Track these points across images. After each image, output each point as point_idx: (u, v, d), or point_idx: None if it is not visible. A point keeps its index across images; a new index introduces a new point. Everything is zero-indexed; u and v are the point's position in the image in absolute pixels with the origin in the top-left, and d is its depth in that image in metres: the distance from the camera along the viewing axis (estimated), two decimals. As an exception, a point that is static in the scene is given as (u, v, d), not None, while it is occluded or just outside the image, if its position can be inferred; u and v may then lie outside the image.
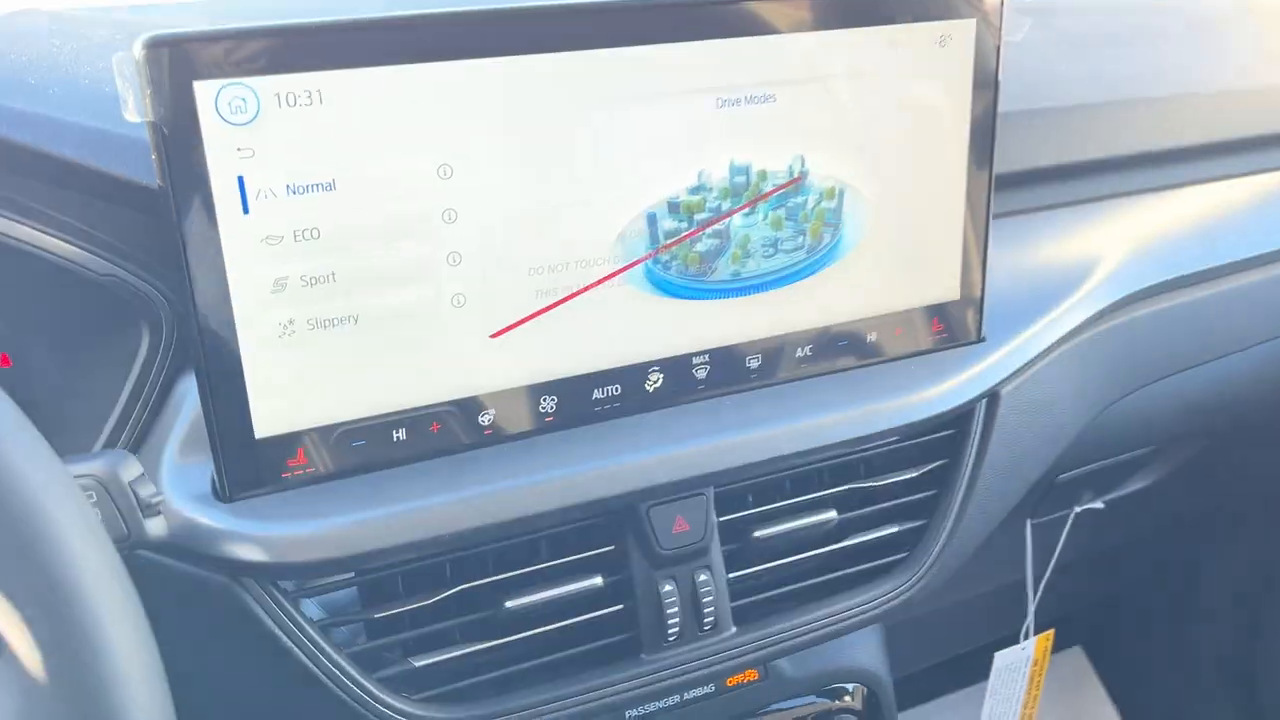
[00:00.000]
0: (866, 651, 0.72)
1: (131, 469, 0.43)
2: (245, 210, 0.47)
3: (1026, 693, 0.97)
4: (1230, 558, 1.31)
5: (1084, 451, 0.78)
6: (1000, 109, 0.61)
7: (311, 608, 0.53)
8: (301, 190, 0.48)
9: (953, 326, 0.65)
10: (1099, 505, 0.91)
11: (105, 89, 0.54)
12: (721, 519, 0.60)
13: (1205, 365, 0.79)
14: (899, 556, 0.66)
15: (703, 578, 0.59)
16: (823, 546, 0.63)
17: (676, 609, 0.58)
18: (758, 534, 0.61)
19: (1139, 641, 1.46)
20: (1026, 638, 0.94)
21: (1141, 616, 1.44)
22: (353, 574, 0.53)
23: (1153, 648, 1.44)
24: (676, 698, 0.64)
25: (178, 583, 0.49)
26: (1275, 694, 1.29)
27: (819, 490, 0.64)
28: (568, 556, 0.57)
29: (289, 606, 0.51)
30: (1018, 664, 0.95)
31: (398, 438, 0.53)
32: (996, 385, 0.66)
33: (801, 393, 0.61)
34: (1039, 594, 0.93)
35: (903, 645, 0.80)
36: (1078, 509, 0.90)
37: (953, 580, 0.73)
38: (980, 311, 0.66)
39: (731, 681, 0.66)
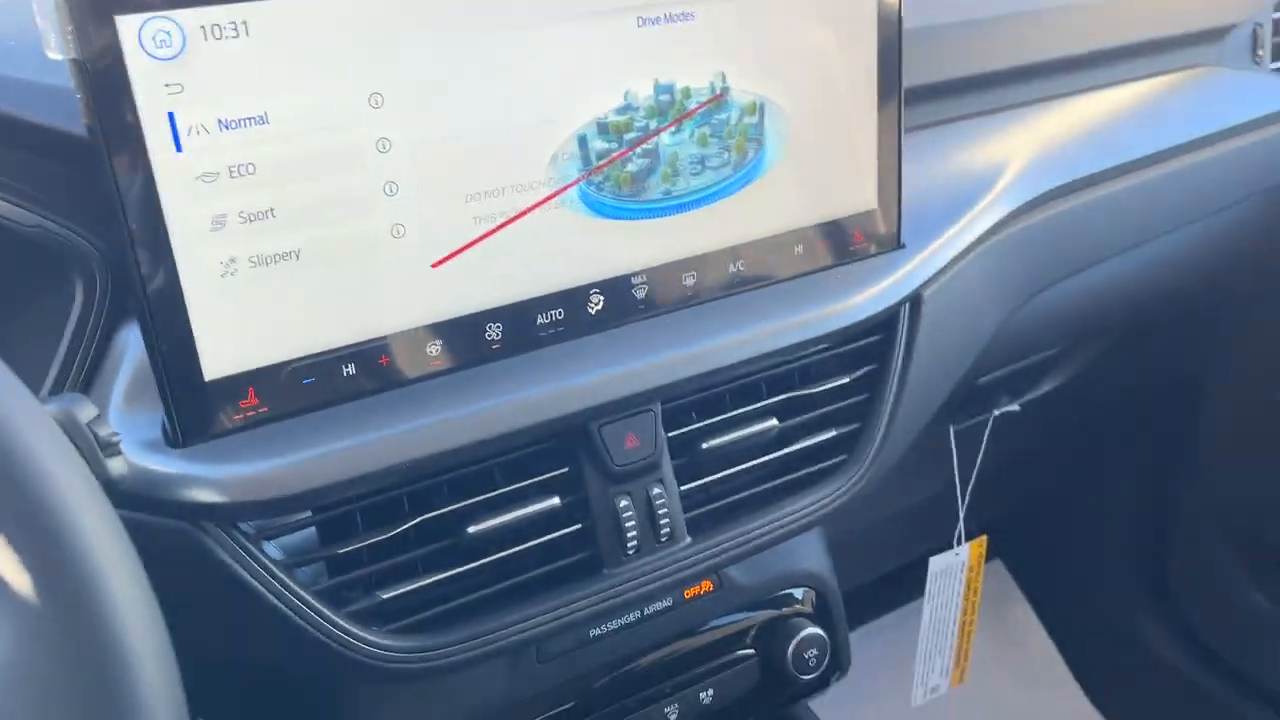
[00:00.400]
0: (811, 557, 0.75)
1: (87, 410, 0.42)
2: (178, 148, 0.46)
3: (964, 598, 1.01)
4: (1136, 460, 1.38)
5: (999, 354, 0.82)
6: (905, 24, 0.64)
7: (273, 550, 0.53)
8: (234, 125, 0.47)
9: (873, 235, 0.68)
10: (1015, 407, 0.95)
11: (9, 43, 0.53)
12: (670, 434, 0.62)
13: (1106, 263, 0.84)
14: (838, 460, 0.68)
15: (656, 491, 0.61)
16: (767, 454, 0.66)
17: (634, 522, 0.60)
18: (705, 446, 0.63)
19: (1056, 552, 1.53)
20: (959, 543, 0.98)
21: (1057, 527, 1.51)
22: (310, 513, 0.53)
23: (1070, 557, 1.51)
24: (638, 613, 0.66)
25: (137, 534, 0.49)
26: (1187, 589, 1.37)
27: (759, 401, 0.66)
28: (524, 481, 0.58)
29: (252, 548, 0.51)
30: (953, 568, 0.99)
31: (347, 373, 0.53)
32: (918, 289, 0.68)
33: (737, 307, 0.63)
34: (967, 499, 0.97)
35: (844, 561, 0.83)
36: (996, 412, 0.94)
37: (888, 488, 0.77)
38: (898, 219, 0.68)
39: (689, 594, 0.68)
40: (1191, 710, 1.37)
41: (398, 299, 0.54)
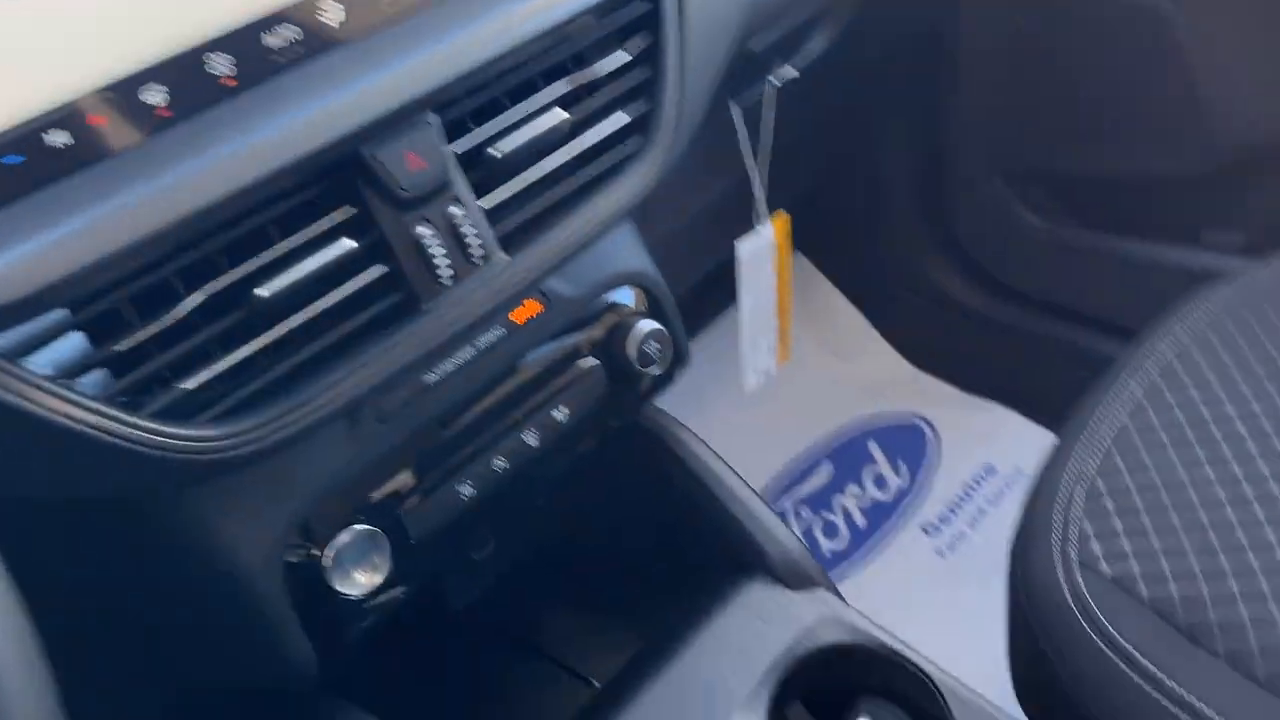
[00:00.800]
0: (632, 256, 0.73)
1: None
2: None
3: (777, 276, 1.03)
4: (909, 116, 1.42)
5: (763, 12, 0.79)
6: None
7: (42, 364, 0.46)
8: None
9: (616, -112, 0.62)
10: (793, 73, 0.94)
11: None
12: (455, 147, 0.56)
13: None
14: (635, 144, 0.65)
15: (454, 210, 0.56)
16: (561, 148, 0.61)
17: (440, 247, 0.55)
18: (495, 153, 0.58)
19: (849, 225, 1.59)
20: (760, 222, 0.98)
21: (845, 201, 1.55)
22: (70, 313, 0.46)
23: (861, 226, 1.57)
24: (470, 349, 0.62)
25: None
26: (970, 228, 1.45)
27: (539, 94, 0.61)
28: (307, 230, 0.52)
29: (11, 367, 0.44)
30: (761, 250, 1.00)
31: (60, 143, 0.45)
32: (677, -57, 0.64)
33: (488, -3, 0.57)
34: (765, 180, 0.97)
35: (662, 271, 0.81)
36: (774, 79, 0.92)
37: (688, 179, 0.74)
38: None
39: (519, 318, 0.64)
40: (986, 338, 1.49)
41: (92, 42, 0.45)
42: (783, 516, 1.45)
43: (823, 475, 1.49)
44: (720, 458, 0.79)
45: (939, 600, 1.32)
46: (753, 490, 0.78)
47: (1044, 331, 1.44)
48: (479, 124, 0.58)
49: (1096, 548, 0.73)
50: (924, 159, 1.44)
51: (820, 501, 1.46)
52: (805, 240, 1.61)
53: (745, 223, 1.00)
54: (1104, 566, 0.70)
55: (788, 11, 0.87)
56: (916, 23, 1.23)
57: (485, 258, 0.57)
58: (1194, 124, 1.16)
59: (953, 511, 1.42)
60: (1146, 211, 1.30)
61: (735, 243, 0.97)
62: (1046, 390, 1.39)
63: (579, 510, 0.86)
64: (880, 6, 1.05)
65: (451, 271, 0.56)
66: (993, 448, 1.47)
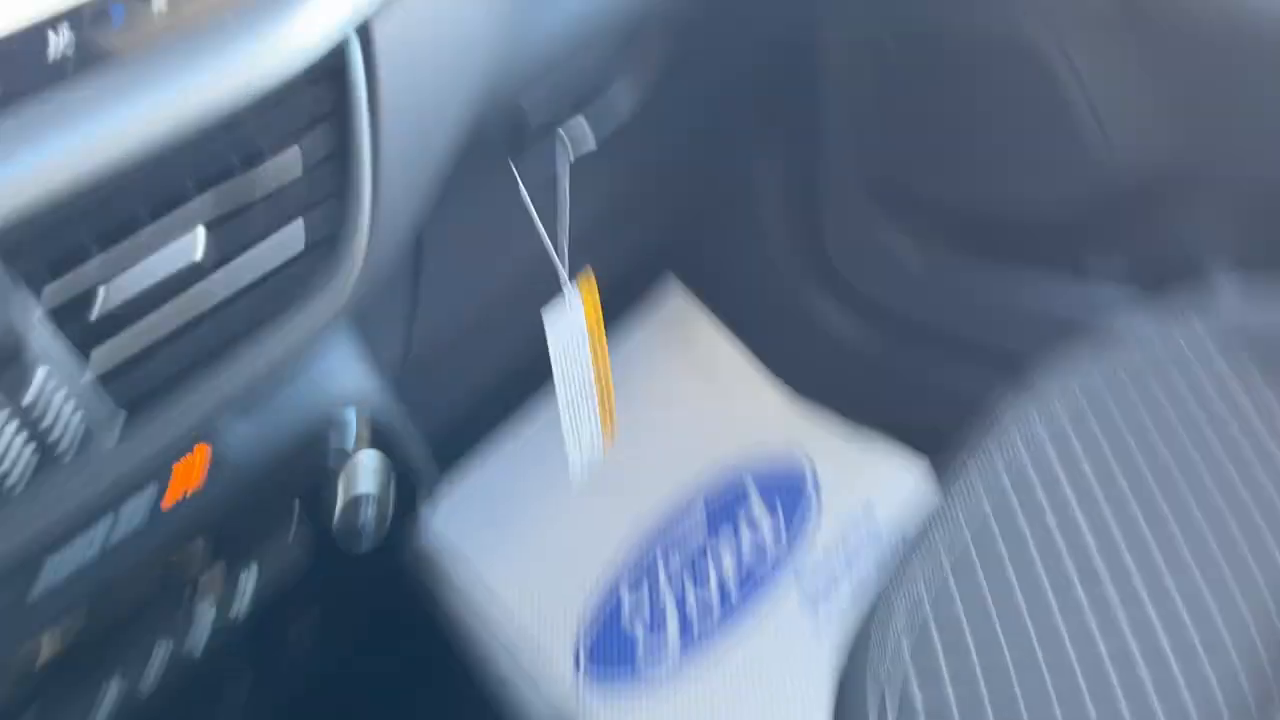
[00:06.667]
0: (343, 375, 0.59)
1: None
2: None
3: (590, 347, 0.90)
4: (777, 143, 1.30)
5: (524, 64, 0.66)
6: None
7: None
8: None
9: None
10: (590, 144, 0.79)
11: None
12: (42, 291, 0.42)
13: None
14: (317, 266, 0.52)
15: (42, 381, 0.42)
16: (208, 278, 0.48)
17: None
18: (106, 293, 0.44)
19: (724, 256, 1.47)
20: (567, 293, 0.85)
21: (721, 232, 1.44)
22: None
23: (738, 257, 1.45)
24: (94, 547, 0.49)
25: None
26: (845, 254, 1.34)
27: (182, 206, 0.46)
28: None
29: None
30: (574, 325, 0.87)
31: None
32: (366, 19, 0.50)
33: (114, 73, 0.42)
34: (566, 234, 0.84)
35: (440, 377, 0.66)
36: (568, 148, 0.78)
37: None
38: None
39: (167, 503, 0.51)
40: (866, 371, 1.39)
41: None
42: (650, 564, 1.34)
43: (696, 517, 1.39)
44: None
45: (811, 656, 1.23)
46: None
47: (923, 360, 1.34)
48: (94, 245, 0.44)
49: (918, 697, 0.64)
50: (798, 183, 1.33)
51: (691, 547, 1.36)
52: (676, 264, 1.50)
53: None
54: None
55: (560, 59, 0.73)
56: (762, 36, 1.09)
57: (83, 448, 0.44)
58: (1069, 154, 1.06)
59: (828, 557, 1.33)
60: (1025, 239, 1.20)
61: (541, 312, 0.84)
62: (925, 420, 1.29)
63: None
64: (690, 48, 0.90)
65: (25, 472, 0.42)
66: (872, 483, 1.38)
